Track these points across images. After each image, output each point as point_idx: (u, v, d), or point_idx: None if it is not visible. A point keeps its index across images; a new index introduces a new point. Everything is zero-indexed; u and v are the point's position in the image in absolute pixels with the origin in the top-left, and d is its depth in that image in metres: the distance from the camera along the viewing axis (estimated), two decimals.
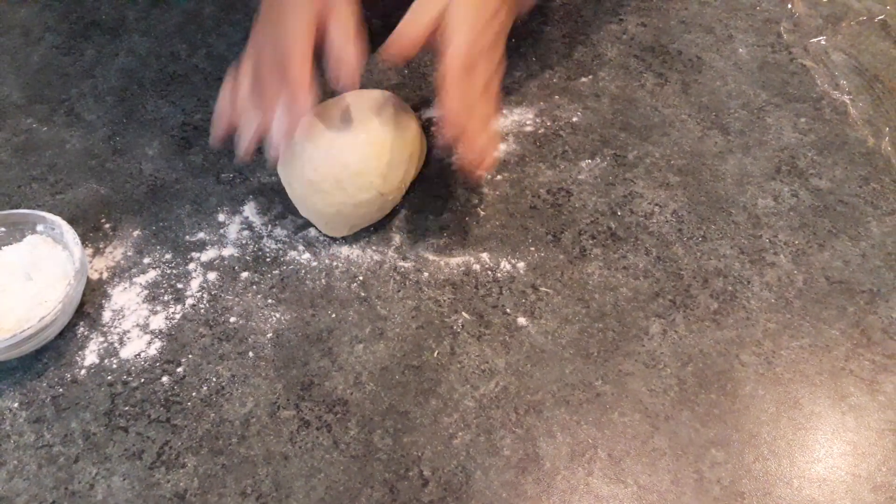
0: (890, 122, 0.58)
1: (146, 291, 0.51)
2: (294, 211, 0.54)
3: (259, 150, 0.50)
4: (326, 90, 0.48)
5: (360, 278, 0.50)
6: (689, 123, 0.58)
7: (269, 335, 0.48)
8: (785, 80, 0.61)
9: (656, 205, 0.53)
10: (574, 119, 0.59)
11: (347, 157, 0.49)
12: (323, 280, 0.50)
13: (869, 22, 0.65)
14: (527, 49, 0.65)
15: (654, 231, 0.52)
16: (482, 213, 0.54)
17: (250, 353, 0.48)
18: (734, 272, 0.49)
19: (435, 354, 0.47)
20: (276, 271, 0.51)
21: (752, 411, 0.43)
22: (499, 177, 0.56)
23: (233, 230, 0.54)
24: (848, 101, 0.60)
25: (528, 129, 0.59)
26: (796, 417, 0.43)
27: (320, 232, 0.53)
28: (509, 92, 0.61)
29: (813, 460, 0.42)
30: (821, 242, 0.51)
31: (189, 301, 0.50)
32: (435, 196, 0.55)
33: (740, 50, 0.64)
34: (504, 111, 0.60)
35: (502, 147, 0.58)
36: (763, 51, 0.64)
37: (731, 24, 0.66)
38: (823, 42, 0.64)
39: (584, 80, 0.62)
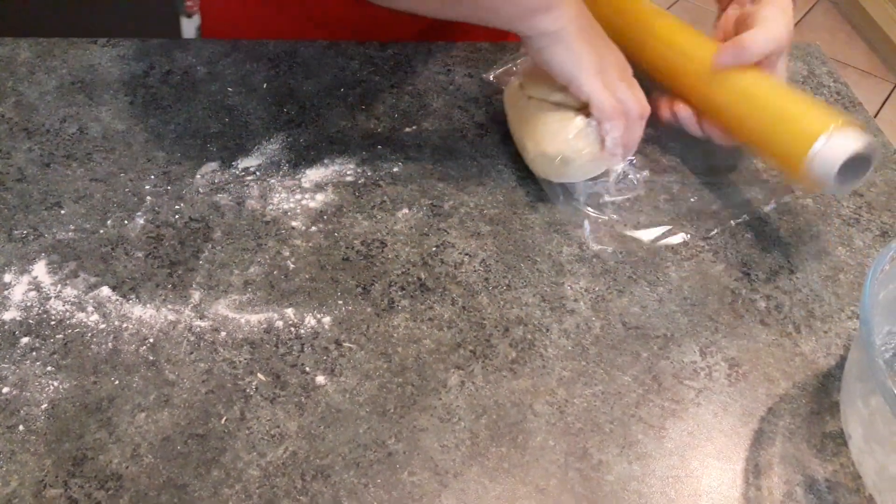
0: (696, 168, 0.61)
1: None
2: (87, 269, 0.51)
3: None
4: None
5: (151, 341, 0.48)
6: (505, 173, 0.59)
7: (44, 406, 0.45)
8: None
9: (466, 254, 0.53)
10: (395, 169, 0.59)
11: None
12: (110, 344, 0.47)
13: None
14: (354, 98, 0.65)
15: (462, 281, 0.52)
16: (292, 265, 0.53)
17: (20, 427, 0.44)
18: (534, 320, 0.50)
19: (223, 421, 0.44)
20: (60, 335, 0.48)
21: (541, 463, 0.43)
22: (313, 228, 0.55)
23: (18, 291, 0.50)
24: (659, 152, 0.62)
25: (349, 178, 0.58)
26: (584, 468, 0.43)
27: (113, 291, 0.50)
28: (332, 141, 0.61)
29: None
30: (620, 288, 0.52)
31: None
32: (243, 249, 0.53)
33: None
34: (325, 160, 0.59)
35: (319, 197, 0.57)
36: None
37: None
38: None
39: (408, 130, 0.62)
